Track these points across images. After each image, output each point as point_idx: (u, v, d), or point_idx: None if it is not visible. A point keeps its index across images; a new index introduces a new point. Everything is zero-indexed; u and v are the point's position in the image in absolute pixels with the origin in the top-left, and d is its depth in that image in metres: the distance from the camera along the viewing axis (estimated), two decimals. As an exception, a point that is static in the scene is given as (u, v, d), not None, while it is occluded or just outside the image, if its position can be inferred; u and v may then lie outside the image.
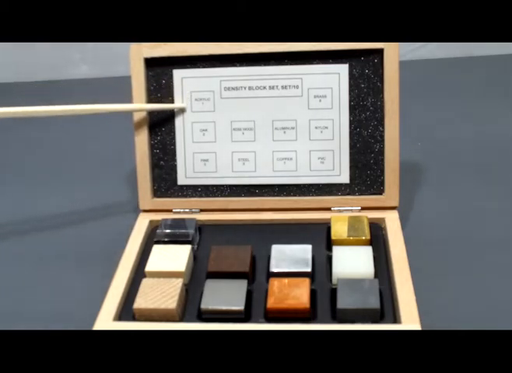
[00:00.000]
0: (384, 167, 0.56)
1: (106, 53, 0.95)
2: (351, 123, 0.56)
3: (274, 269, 0.50)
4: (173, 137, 0.58)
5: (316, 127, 0.56)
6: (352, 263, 0.49)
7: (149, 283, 0.49)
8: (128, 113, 0.58)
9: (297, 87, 0.56)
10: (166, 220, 0.56)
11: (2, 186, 0.71)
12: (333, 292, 0.48)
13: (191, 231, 0.55)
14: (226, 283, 0.49)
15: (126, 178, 0.69)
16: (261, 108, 0.56)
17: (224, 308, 0.47)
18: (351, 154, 0.56)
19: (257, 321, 0.46)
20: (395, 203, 0.56)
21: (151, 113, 0.57)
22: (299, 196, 0.57)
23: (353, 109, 0.56)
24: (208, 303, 0.47)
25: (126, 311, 0.48)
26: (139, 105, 0.57)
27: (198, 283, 0.50)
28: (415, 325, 0.44)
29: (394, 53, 0.54)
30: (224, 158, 0.57)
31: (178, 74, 0.57)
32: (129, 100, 0.57)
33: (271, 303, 0.46)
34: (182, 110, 0.57)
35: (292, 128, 0.57)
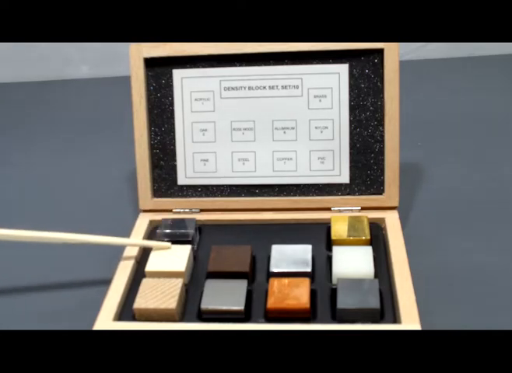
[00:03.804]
0: (384, 167, 0.56)
1: (107, 53, 0.95)
2: (351, 123, 0.56)
3: (274, 269, 0.50)
4: (173, 137, 0.58)
5: (316, 127, 0.56)
6: (352, 263, 0.49)
7: (149, 283, 0.49)
8: (129, 116, 0.58)
9: (297, 87, 0.56)
10: (166, 220, 0.56)
11: (2, 185, 0.71)
12: (333, 292, 0.48)
13: (191, 231, 0.54)
14: (226, 283, 0.49)
15: (126, 178, 0.69)
16: (261, 108, 0.56)
17: (224, 308, 0.47)
18: (351, 154, 0.56)
19: (257, 321, 0.46)
20: (395, 203, 0.56)
21: (151, 114, 0.57)
22: (299, 196, 0.57)
23: (353, 109, 0.56)
24: (208, 303, 0.47)
25: (126, 311, 0.48)
26: (129, 240, 0.54)
27: (198, 283, 0.50)
28: (415, 325, 0.44)
29: (394, 53, 0.54)
30: (224, 158, 0.57)
31: (178, 74, 0.57)
32: (129, 100, 0.57)
33: (271, 303, 0.46)
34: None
35: (292, 128, 0.56)
